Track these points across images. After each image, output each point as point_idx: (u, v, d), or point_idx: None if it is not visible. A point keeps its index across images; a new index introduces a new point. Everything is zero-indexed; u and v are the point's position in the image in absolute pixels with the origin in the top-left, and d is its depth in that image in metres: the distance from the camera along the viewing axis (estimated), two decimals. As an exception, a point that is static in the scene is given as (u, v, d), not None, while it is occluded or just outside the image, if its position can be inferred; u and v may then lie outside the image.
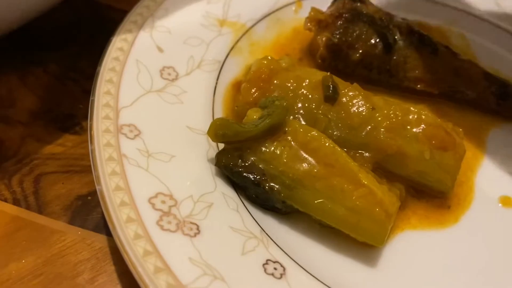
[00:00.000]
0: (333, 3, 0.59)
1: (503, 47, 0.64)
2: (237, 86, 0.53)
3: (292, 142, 0.45)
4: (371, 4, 0.60)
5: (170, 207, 0.42)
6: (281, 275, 0.41)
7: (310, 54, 0.60)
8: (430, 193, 0.50)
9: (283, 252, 0.42)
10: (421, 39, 0.58)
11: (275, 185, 0.44)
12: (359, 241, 0.44)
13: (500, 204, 0.51)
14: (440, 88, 0.58)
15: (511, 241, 0.48)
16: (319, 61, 0.58)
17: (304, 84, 0.49)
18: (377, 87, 0.57)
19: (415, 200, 0.50)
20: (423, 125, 0.47)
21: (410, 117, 0.48)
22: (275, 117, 0.45)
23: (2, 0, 0.46)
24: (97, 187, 0.42)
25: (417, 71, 0.57)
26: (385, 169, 0.48)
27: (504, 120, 0.58)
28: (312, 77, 0.49)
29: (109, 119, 0.46)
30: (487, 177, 0.53)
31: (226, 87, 0.54)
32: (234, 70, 0.56)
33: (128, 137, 0.45)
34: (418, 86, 0.58)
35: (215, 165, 0.46)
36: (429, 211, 0.49)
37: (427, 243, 0.47)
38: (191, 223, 0.41)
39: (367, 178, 0.44)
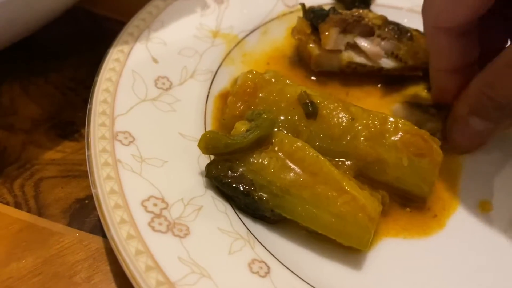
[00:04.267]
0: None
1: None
2: (225, 96, 0.55)
3: (279, 153, 0.47)
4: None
5: (161, 209, 0.44)
6: (266, 273, 0.43)
7: (300, 61, 0.63)
8: (412, 199, 0.51)
9: (269, 253, 0.45)
10: (398, 28, 0.61)
11: (264, 194, 0.46)
12: (345, 245, 0.46)
13: (479, 209, 0.52)
14: (423, 69, 0.61)
15: (494, 247, 0.50)
16: (313, 68, 0.61)
17: (286, 97, 0.51)
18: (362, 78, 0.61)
19: (400, 208, 0.51)
20: (400, 133, 0.49)
21: (388, 126, 0.49)
22: (263, 129, 0.47)
23: (8, 14, 0.48)
24: (93, 191, 0.44)
25: (402, 59, 0.60)
26: (366, 176, 0.50)
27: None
28: (294, 91, 0.51)
29: (105, 126, 0.48)
30: (469, 183, 0.54)
31: (215, 97, 0.56)
32: (226, 80, 0.58)
33: (123, 144, 0.47)
34: (405, 73, 0.61)
35: (206, 176, 0.48)
36: (413, 218, 0.51)
37: (410, 248, 0.49)
38: (181, 224, 0.43)
39: (349, 185, 0.46)
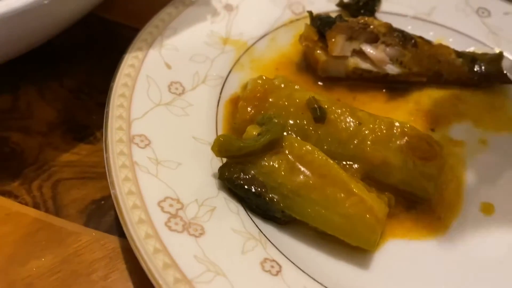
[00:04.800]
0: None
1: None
2: (236, 101, 0.57)
3: (289, 156, 0.48)
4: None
5: (177, 210, 0.46)
6: (277, 272, 0.44)
7: (307, 67, 0.64)
8: (417, 201, 0.52)
9: (280, 252, 0.46)
10: (403, 35, 0.63)
11: (275, 196, 0.47)
12: (353, 246, 0.47)
13: (483, 212, 0.54)
14: (427, 76, 0.63)
15: (497, 249, 0.51)
16: (320, 73, 0.62)
17: (295, 102, 0.53)
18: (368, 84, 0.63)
19: (405, 210, 0.52)
20: (406, 138, 0.51)
21: (394, 130, 0.51)
22: (274, 133, 0.48)
23: (27, 22, 0.50)
24: (111, 192, 0.45)
25: (407, 66, 0.62)
26: (373, 178, 0.51)
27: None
28: (303, 96, 0.53)
29: (122, 130, 0.50)
30: (473, 186, 0.55)
31: (225, 102, 0.58)
32: (236, 85, 0.60)
33: (139, 147, 0.49)
34: (410, 79, 0.63)
35: (218, 178, 0.49)
36: (418, 220, 0.52)
37: (415, 249, 0.50)
38: (196, 224, 0.45)
39: (357, 187, 0.47)
